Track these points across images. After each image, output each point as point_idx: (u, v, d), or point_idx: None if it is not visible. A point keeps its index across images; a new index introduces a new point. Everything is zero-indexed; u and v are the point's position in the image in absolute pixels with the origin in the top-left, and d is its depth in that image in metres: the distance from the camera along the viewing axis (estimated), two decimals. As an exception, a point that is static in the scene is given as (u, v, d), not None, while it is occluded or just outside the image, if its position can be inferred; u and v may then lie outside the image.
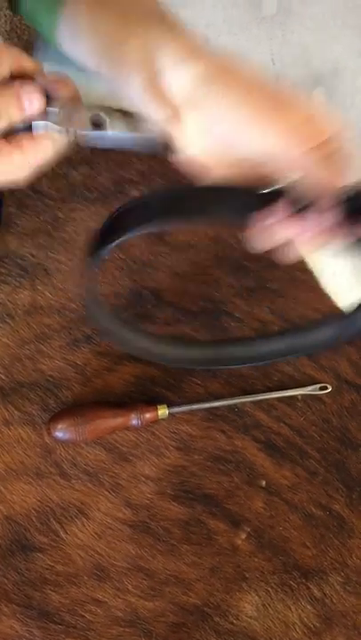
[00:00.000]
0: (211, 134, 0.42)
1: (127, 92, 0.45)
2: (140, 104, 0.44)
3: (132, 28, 0.44)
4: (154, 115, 0.43)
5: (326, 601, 0.56)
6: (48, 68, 0.62)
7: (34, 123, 0.39)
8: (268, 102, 0.41)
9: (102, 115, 0.41)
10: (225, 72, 0.42)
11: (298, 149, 0.41)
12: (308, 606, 0.56)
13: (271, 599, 0.56)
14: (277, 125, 0.41)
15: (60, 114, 0.40)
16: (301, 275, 0.60)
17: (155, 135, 0.41)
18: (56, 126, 0.39)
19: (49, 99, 0.40)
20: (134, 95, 0.45)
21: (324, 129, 0.41)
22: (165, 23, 0.44)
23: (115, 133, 0.40)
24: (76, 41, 0.50)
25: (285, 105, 0.41)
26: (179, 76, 0.42)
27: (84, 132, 0.40)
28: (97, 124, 0.41)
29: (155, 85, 0.42)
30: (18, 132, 0.39)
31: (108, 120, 0.41)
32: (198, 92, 0.42)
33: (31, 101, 0.39)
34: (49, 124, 0.39)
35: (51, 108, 0.39)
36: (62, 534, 0.55)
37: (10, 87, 0.39)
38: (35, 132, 0.39)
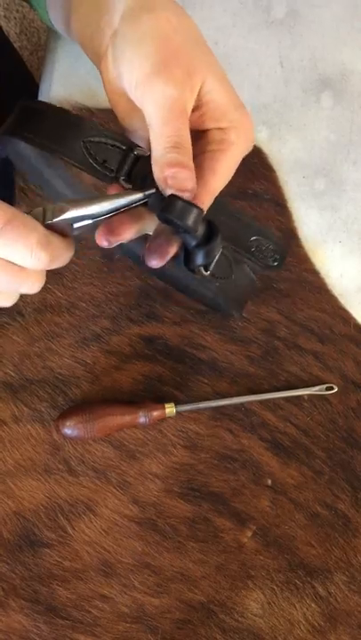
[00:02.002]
0: (120, 80, 0.40)
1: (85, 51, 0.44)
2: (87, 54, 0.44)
3: None
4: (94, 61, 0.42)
5: (331, 600, 0.56)
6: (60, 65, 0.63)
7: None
8: (159, 67, 0.37)
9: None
10: (139, 19, 0.39)
11: (157, 134, 0.37)
12: (313, 605, 0.56)
13: (276, 597, 0.56)
14: (150, 97, 0.37)
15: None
16: (309, 275, 0.60)
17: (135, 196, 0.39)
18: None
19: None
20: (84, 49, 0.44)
21: (181, 126, 0.37)
22: None
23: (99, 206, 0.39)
24: (52, 7, 0.50)
25: (159, 81, 0.37)
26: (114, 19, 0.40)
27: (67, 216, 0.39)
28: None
29: (96, 37, 0.41)
30: None
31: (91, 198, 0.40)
32: (116, 37, 0.39)
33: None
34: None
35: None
36: (70, 530, 0.56)
37: None
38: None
